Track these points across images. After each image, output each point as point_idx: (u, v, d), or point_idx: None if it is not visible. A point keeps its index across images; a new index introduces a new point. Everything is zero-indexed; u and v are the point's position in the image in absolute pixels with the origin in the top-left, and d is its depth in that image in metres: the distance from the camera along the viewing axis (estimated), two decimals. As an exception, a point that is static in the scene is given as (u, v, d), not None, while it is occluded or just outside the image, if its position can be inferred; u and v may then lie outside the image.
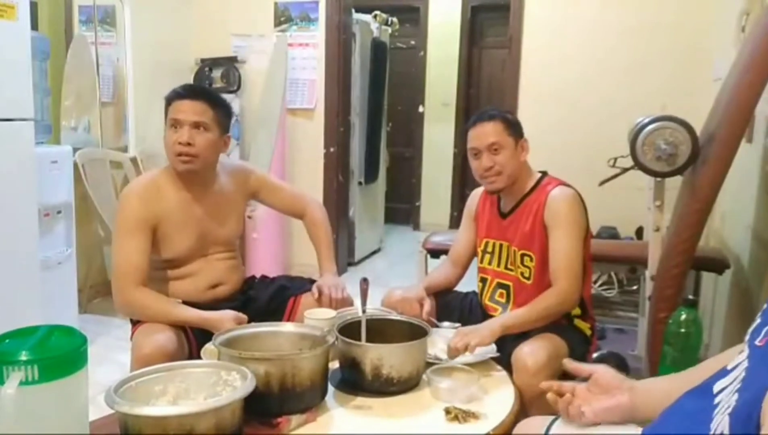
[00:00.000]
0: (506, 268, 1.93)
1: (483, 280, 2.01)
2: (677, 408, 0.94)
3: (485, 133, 1.84)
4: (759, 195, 2.28)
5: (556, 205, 1.81)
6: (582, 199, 1.85)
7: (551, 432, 1.13)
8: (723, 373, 0.88)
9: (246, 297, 1.98)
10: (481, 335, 1.65)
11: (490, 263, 1.98)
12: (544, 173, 1.94)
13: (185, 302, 1.80)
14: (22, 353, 1.03)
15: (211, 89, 1.75)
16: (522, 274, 1.88)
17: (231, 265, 1.96)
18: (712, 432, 0.79)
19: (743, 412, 0.75)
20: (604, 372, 1.14)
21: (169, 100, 1.83)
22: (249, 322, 1.71)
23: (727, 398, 0.81)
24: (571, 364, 1.24)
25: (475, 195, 2.07)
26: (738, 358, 0.87)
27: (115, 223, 1.84)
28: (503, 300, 1.93)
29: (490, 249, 1.98)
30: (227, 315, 1.72)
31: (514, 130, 1.86)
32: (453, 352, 1.63)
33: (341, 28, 4.27)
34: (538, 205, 1.84)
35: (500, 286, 1.95)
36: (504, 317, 1.80)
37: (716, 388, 0.86)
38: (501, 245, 1.94)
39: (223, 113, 1.86)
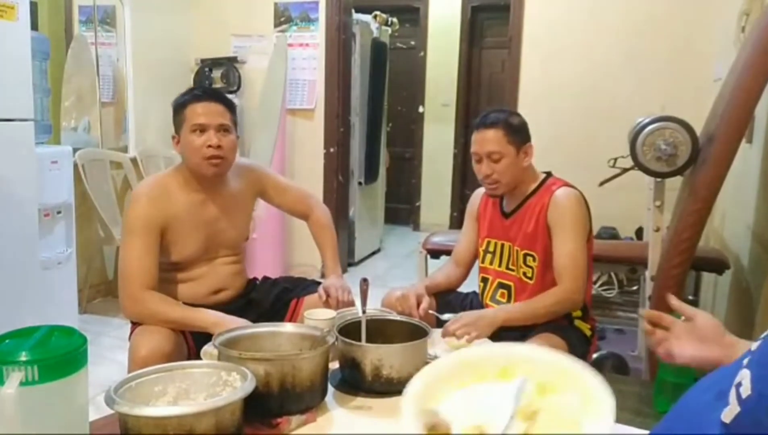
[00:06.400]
0: (507, 268, 1.93)
1: (484, 280, 2.01)
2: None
3: (486, 140, 1.83)
4: (759, 195, 2.28)
5: (560, 206, 1.81)
6: (585, 201, 1.85)
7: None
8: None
9: (248, 299, 1.98)
10: (481, 328, 1.67)
11: (491, 263, 1.98)
12: (549, 174, 1.93)
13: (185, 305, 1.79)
14: (22, 353, 1.02)
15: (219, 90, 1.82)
16: (524, 274, 1.88)
17: (235, 270, 1.95)
18: (734, 383, 0.78)
19: (762, 355, 0.75)
20: (705, 320, 1.10)
21: (184, 103, 1.82)
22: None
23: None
24: (673, 300, 1.17)
25: (477, 195, 2.07)
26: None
27: (123, 225, 1.83)
28: (504, 300, 1.93)
29: (491, 248, 1.98)
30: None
31: (517, 136, 1.84)
32: (446, 334, 1.66)
33: (341, 29, 4.27)
34: (541, 205, 1.84)
35: (501, 286, 1.95)
36: (506, 309, 1.81)
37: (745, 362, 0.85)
38: (503, 245, 1.94)
39: (235, 114, 1.88)
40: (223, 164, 1.82)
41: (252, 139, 4.15)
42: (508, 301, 1.91)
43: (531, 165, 1.90)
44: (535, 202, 1.86)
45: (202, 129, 1.78)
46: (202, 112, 1.79)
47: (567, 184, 1.87)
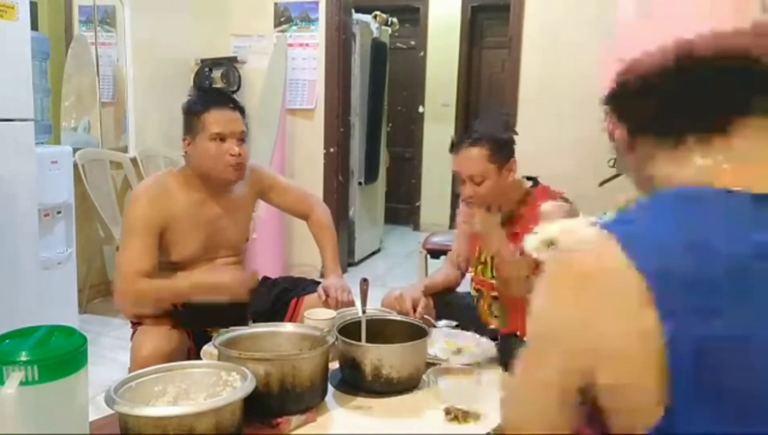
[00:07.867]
0: None
1: (478, 292, 1.96)
2: None
3: (467, 161, 1.78)
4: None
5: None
6: (577, 212, 1.82)
7: None
8: None
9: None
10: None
11: (483, 274, 1.93)
12: (535, 181, 1.90)
13: (185, 305, 1.79)
14: (22, 353, 1.02)
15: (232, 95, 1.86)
16: None
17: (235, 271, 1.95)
18: None
19: None
20: None
21: (203, 109, 1.80)
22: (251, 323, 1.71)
23: None
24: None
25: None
26: None
27: (122, 225, 1.83)
28: (500, 314, 1.87)
29: (483, 259, 1.94)
30: (239, 280, 1.75)
31: (500, 154, 1.78)
32: None
33: (341, 29, 4.27)
34: (534, 219, 1.81)
35: (496, 299, 1.89)
36: None
37: None
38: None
39: (244, 118, 1.90)
40: (243, 170, 1.85)
41: (252, 139, 4.14)
42: (505, 315, 1.85)
43: (514, 179, 1.85)
44: (526, 214, 1.82)
45: (222, 138, 1.79)
46: (223, 121, 1.80)
47: (556, 195, 1.84)
